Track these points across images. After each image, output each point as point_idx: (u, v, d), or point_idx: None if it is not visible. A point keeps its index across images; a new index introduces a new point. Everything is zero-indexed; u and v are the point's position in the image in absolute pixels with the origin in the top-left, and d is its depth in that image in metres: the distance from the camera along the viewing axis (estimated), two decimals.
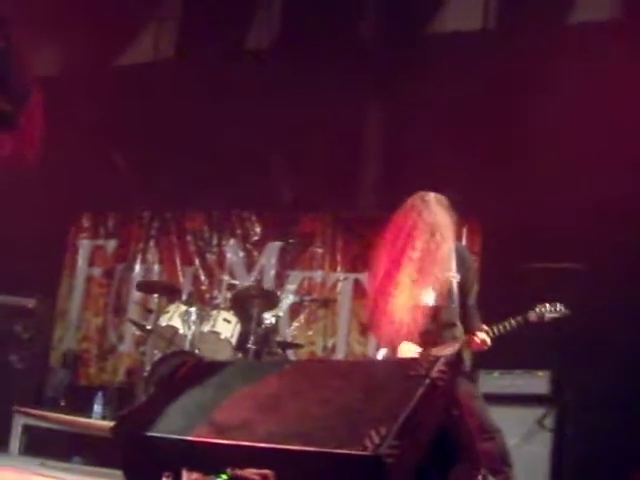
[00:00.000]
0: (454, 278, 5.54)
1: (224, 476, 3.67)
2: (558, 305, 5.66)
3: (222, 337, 8.54)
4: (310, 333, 9.67)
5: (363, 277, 9.31)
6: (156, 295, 9.37)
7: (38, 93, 4.49)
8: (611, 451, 7.20)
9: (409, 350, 5.42)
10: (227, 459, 3.82)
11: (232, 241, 10.21)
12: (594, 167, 7.84)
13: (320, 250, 9.86)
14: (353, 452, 3.43)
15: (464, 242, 8.45)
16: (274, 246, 10.09)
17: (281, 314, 9.44)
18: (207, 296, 9.91)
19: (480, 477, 4.96)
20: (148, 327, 8.89)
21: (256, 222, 10.19)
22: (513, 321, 5.55)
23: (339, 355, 9.44)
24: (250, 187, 9.74)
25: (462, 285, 5.58)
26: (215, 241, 10.31)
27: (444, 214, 5.58)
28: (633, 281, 7.63)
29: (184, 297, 9.42)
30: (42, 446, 8.28)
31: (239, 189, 9.83)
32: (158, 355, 8.71)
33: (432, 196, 5.66)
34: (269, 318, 8.95)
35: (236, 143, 9.74)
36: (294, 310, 9.81)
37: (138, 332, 9.63)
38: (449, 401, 3.91)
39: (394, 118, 9.61)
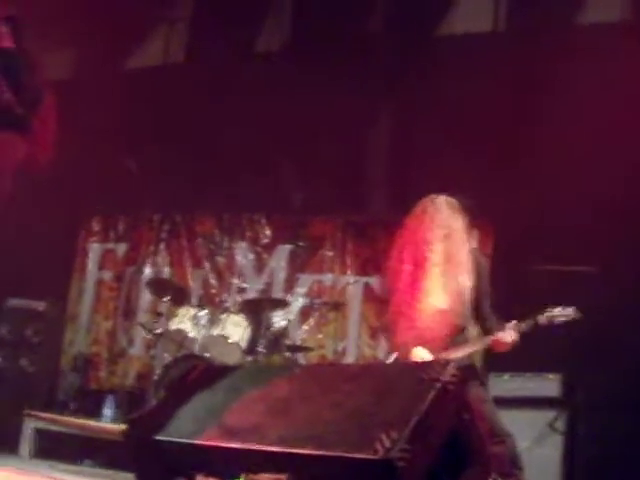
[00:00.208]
0: (467, 282, 5.52)
1: None
2: (569, 308, 5.64)
3: (232, 341, 8.54)
4: (320, 336, 9.65)
5: (373, 280, 9.30)
6: (166, 298, 9.38)
7: (50, 96, 4.50)
8: (623, 453, 7.17)
9: (421, 354, 5.42)
10: (238, 463, 3.82)
11: (242, 244, 10.21)
12: (605, 168, 7.82)
13: (330, 253, 9.84)
14: (364, 456, 3.42)
15: (474, 244, 8.42)
16: (284, 249, 10.08)
17: (291, 317, 9.43)
18: (217, 299, 9.89)
19: None
20: (158, 331, 8.89)
21: (266, 225, 10.18)
22: (523, 324, 5.54)
23: (349, 358, 9.42)
24: (260, 190, 9.75)
25: (477, 288, 5.56)
26: (225, 244, 10.30)
27: (456, 217, 5.57)
28: None
29: (194, 300, 9.42)
30: (52, 449, 8.31)
31: (249, 192, 9.84)
32: (168, 359, 8.71)
33: (443, 199, 5.63)
34: (279, 321, 8.95)
35: (246, 146, 9.74)
36: (304, 313, 9.78)
37: (148, 336, 9.63)
38: (460, 405, 3.89)
39: (404, 120, 9.59)
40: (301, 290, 9.88)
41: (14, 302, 9.69)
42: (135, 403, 8.92)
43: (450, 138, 8.76)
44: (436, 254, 5.43)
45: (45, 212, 9.88)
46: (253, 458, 3.77)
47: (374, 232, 9.48)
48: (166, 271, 10.49)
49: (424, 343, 5.42)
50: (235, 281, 9.92)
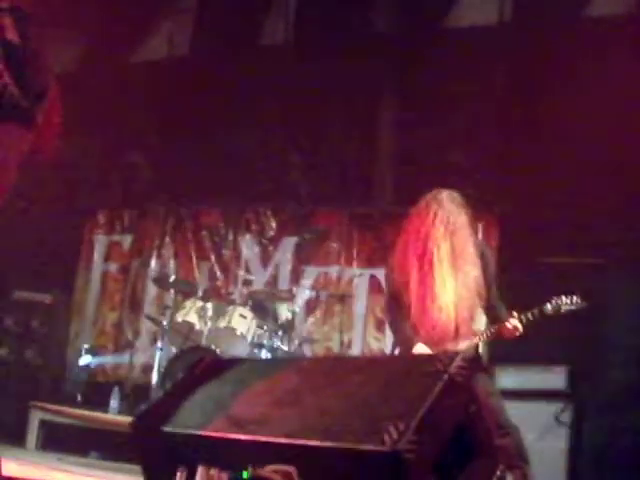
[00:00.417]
0: (472, 273, 5.53)
1: (245, 475, 3.66)
2: (574, 297, 5.63)
3: (238, 333, 8.54)
4: (326, 328, 9.65)
5: (379, 272, 9.29)
6: (172, 290, 9.38)
7: (55, 89, 4.48)
8: (629, 446, 7.17)
9: (424, 350, 5.43)
10: (245, 454, 3.82)
11: (248, 236, 10.20)
12: (611, 160, 7.82)
13: (336, 245, 9.83)
14: (372, 447, 3.42)
15: (480, 236, 8.45)
16: (290, 241, 10.08)
17: (297, 309, 9.43)
18: (223, 291, 9.91)
19: (498, 473, 4.95)
20: (164, 323, 8.91)
21: (272, 217, 10.17)
22: (529, 313, 5.54)
23: (355, 350, 9.42)
24: (266, 182, 9.76)
25: (483, 278, 5.57)
26: (231, 236, 10.30)
27: (460, 211, 5.57)
28: None
29: (200, 293, 9.43)
30: (59, 441, 8.33)
31: (255, 185, 9.85)
32: (174, 351, 8.72)
33: (446, 194, 5.63)
34: (285, 314, 8.95)
35: (251, 139, 9.75)
36: (310, 305, 9.79)
37: (154, 328, 9.64)
38: (467, 397, 3.89)
39: (410, 113, 9.60)
40: (307, 282, 9.88)
41: (20, 294, 9.70)
42: (141, 395, 8.94)
43: (456, 131, 8.77)
44: (442, 250, 5.45)
45: (51, 204, 9.89)
46: (260, 450, 3.77)
47: (380, 224, 9.48)
48: (172, 263, 10.50)
49: (431, 337, 5.44)
50: (241, 273, 9.94)
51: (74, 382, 9.96)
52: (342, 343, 9.43)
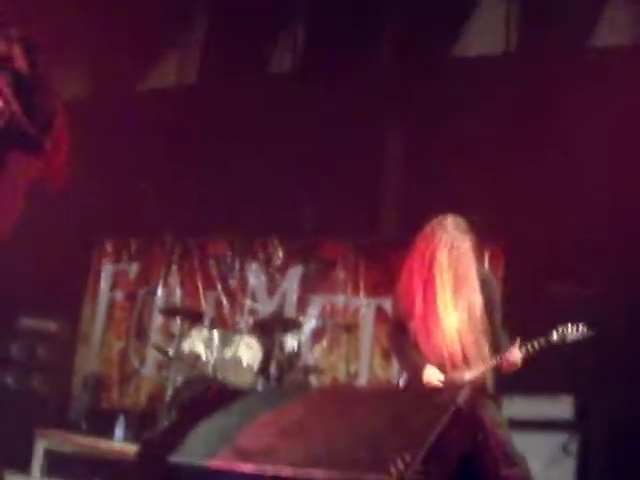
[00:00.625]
0: (477, 301, 5.55)
1: None
2: (580, 326, 5.62)
3: (244, 363, 8.52)
4: (332, 358, 9.63)
5: (385, 302, 9.28)
6: (178, 319, 9.37)
7: (63, 117, 4.51)
8: (637, 476, 7.13)
9: (433, 374, 5.43)
10: None
11: (254, 265, 10.21)
12: (616, 190, 7.82)
13: (342, 275, 9.83)
14: (378, 478, 3.41)
15: (486, 265, 8.47)
16: (296, 271, 10.07)
17: (303, 339, 9.41)
18: (229, 321, 9.91)
19: None
20: (170, 352, 8.89)
21: (278, 247, 10.17)
22: (535, 343, 5.53)
23: (361, 380, 9.39)
24: (272, 212, 9.77)
25: (487, 307, 5.58)
26: (237, 265, 10.30)
27: (464, 237, 5.61)
28: None
29: (206, 321, 9.41)
30: (64, 469, 8.29)
31: (261, 214, 9.86)
32: (180, 380, 8.71)
33: (450, 220, 5.68)
34: (291, 343, 8.93)
35: (258, 168, 9.77)
36: (316, 335, 9.77)
37: (160, 356, 9.63)
38: (474, 427, 3.88)
39: (415, 142, 9.62)
40: (313, 312, 9.86)
41: (26, 322, 9.71)
42: (146, 423, 8.91)
43: (461, 159, 8.78)
44: (445, 275, 5.48)
45: (58, 232, 9.90)
46: None
47: (386, 254, 9.46)
48: (178, 292, 10.50)
49: (437, 363, 5.44)
50: (247, 302, 9.94)
51: (79, 410, 9.94)
52: (348, 373, 9.41)
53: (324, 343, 9.71)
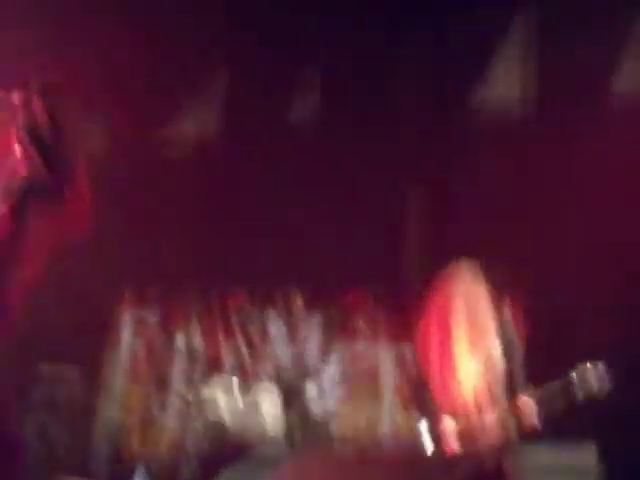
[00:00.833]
0: (497, 348, 5.55)
1: None
2: (600, 364, 5.60)
3: (264, 411, 8.51)
4: (353, 405, 9.59)
5: (406, 350, 9.25)
6: (198, 367, 9.36)
7: (84, 169, 4.54)
8: None
9: (453, 425, 5.42)
10: None
11: (274, 314, 10.22)
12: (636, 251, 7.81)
13: (362, 323, 9.82)
14: None
15: (506, 315, 8.45)
16: (316, 319, 10.07)
17: (323, 388, 9.38)
18: (249, 369, 9.89)
19: None
20: (190, 400, 8.87)
21: (298, 295, 10.18)
22: (555, 385, 5.51)
23: (383, 429, 9.34)
24: (292, 262, 9.78)
25: (506, 353, 5.58)
26: (257, 314, 10.31)
27: (479, 286, 5.63)
28: None
29: (226, 369, 9.40)
30: None
31: (282, 264, 9.87)
32: (201, 428, 8.68)
33: (466, 267, 5.70)
34: (311, 392, 8.90)
35: (278, 219, 9.81)
36: (336, 383, 9.74)
37: (181, 404, 9.61)
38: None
39: (435, 193, 9.64)
40: (334, 359, 9.83)
41: (47, 368, 9.73)
42: (167, 473, 8.88)
43: (480, 213, 8.79)
44: (461, 324, 5.50)
45: (80, 281, 9.94)
46: None
47: (406, 301, 9.43)
48: (198, 340, 10.50)
49: (456, 413, 5.43)
50: (267, 351, 9.92)
51: (99, 458, 9.92)
52: (369, 422, 9.36)
53: (344, 392, 9.67)
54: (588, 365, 5.56)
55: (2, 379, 4.07)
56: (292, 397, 8.63)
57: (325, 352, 9.90)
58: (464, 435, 5.40)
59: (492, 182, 8.75)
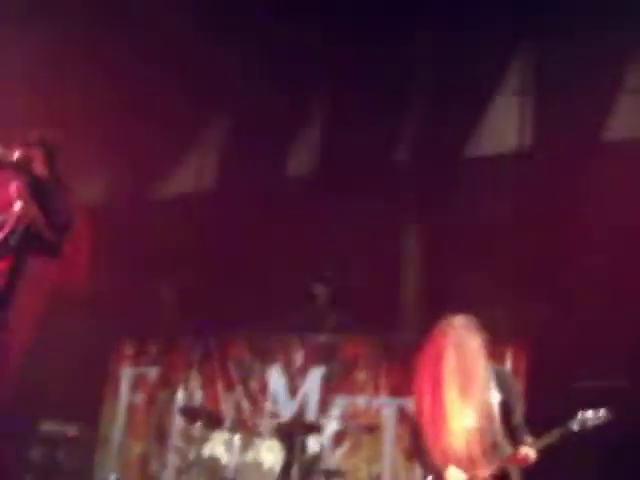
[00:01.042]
0: (494, 398, 5.55)
1: None
2: (601, 410, 5.56)
3: (265, 467, 8.42)
4: (355, 460, 9.50)
5: (407, 402, 9.19)
6: (198, 423, 9.30)
7: (82, 221, 4.55)
8: None
9: (456, 475, 5.39)
10: None
11: (274, 366, 10.18)
12: (637, 286, 7.81)
13: (364, 375, 9.77)
14: None
15: (509, 362, 8.49)
16: (317, 371, 10.02)
17: (325, 441, 9.31)
18: (250, 423, 9.83)
19: None
20: (190, 456, 8.80)
21: (299, 347, 10.16)
22: (555, 432, 5.48)
23: None
24: (292, 312, 9.76)
25: (505, 405, 5.59)
26: (257, 366, 10.28)
27: (471, 334, 5.68)
28: None
29: (227, 424, 9.33)
30: None
31: (281, 315, 9.85)
32: None
33: (458, 318, 5.76)
34: (313, 446, 8.83)
35: (277, 269, 9.82)
36: (338, 437, 9.65)
37: (180, 460, 9.54)
38: None
39: (435, 241, 9.65)
40: (335, 413, 9.77)
41: (46, 425, 9.67)
42: None
43: (480, 257, 8.79)
44: (452, 374, 5.53)
45: (78, 335, 9.91)
46: None
47: (407, 353, 9.34)
48: (198, 394, 10.45)
49: (456, 463, 5.41)
50: (268, 405, 9.87)
51: None
52: (371, 475, 9.28)
53: (346, 445, 9.59)
54: (589, 412, 5.54)
55: (1, 435, 4.03)
56: (293, 452, 8.53)
57: (326, 405, 9.83)
58: None
59: (492, 229, 8.77)
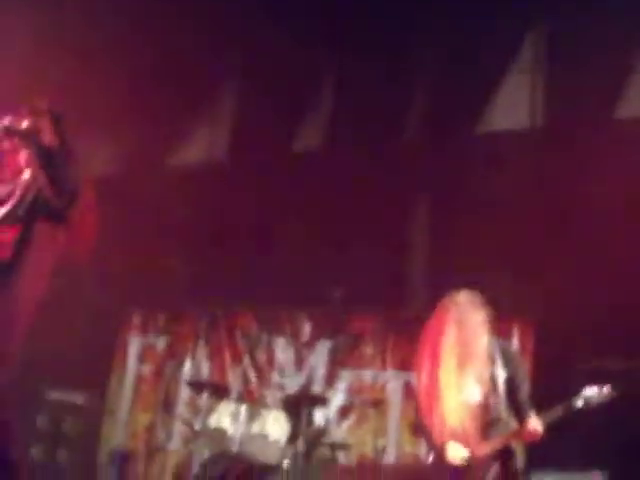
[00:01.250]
0: (499, 375, 5.53)
1: None
2: (605, 388, 5.55)
3: (271, 438, 8.43)
4: (360, 434, 9.52)
5: (413, 377, 9.20)
6: (205, 393, 9.32)
7: (90, 190, 4.54)
8: None
9: (457, 450, 5.39)
10: None
11: (282, 339, 10.19)
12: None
13: (370, 349, 9.78)
14: None
15: (516, 339, 8.49)
16: (324, 345, 10.03)
17: (331, 414, 9.33)
18: (256, 395, 9.85)
19: None
20: (197, 426, 8.83)
21: (306, 320, 10.16)
22: (560, 408, 5.47)
23: (390, 456, 9.27)
24: (300, 285, 9.76)
25: (510, 381, 5.57)
26: (264, 339, 10.29)
27: (474, 309, 5.65)
28: None
29: (233, 396, 9.35)
30: None
31: (289, 287, 9.85)
32: (207, 455, 8.62)
33: (462, 294, 5.73)
34: (319, 418, 8.85)
35: (286, 242, 9.81)
36: (344, 410, 9.68)
37: (187, 430, 9.57)
38: None
39: (443, 216, 9.63)
40: (341, 386, 9.80)
41: (53, 394, 9.70)
42: None
43: (489, 233, 8.76)
44: (451, 350, 5.52)
45: (85, 305, 9.94)
46: None
47: (414, 328, 9.33)
48: (205, 366, 10.47)
49: (458, 438, 5.41)
50: (275, 377, 9.89)
51: None
52: (376, 448, 9.28)
53: (352, 418, 9.62)
54: (594, 389, 5.52)
55: (8, 404, 4.04)
56: (299, 424, 8.54)
57: (333, 379, 9.85)
58: (469, 461, 5.36)
59: (503, 207, 8.75)
